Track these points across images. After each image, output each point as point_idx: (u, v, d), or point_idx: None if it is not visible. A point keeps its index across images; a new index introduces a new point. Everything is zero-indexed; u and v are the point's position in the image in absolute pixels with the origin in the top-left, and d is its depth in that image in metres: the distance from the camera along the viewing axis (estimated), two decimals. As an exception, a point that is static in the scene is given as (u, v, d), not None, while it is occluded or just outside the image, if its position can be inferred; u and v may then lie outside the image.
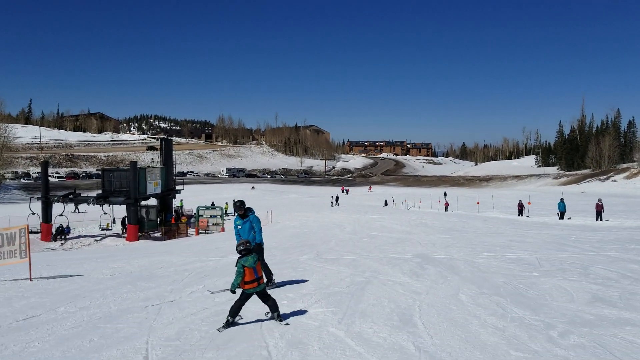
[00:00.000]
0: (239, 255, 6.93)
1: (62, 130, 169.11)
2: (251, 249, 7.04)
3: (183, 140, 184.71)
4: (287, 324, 6.98)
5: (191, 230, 33.51)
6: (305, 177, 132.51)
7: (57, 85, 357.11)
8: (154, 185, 35.17)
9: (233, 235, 9.96)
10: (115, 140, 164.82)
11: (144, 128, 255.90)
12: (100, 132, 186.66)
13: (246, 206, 9.35)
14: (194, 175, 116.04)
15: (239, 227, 9.09)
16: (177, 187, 40.19)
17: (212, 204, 40.75)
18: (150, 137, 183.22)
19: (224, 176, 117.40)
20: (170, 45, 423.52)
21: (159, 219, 34.65)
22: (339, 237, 22.19)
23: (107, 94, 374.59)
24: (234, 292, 6.92)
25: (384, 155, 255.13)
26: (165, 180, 37.50)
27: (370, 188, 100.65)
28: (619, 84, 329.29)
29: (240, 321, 7.19)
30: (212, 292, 9.03)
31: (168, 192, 37.72)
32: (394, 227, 27.90)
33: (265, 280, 7.34)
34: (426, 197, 66.66)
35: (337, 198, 60.27)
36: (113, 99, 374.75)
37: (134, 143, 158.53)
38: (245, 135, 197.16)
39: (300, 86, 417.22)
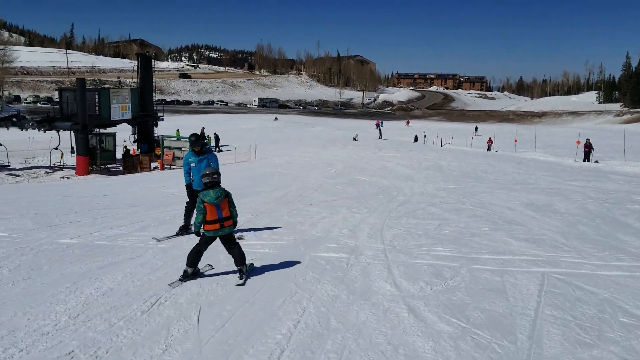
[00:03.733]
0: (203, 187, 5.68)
1: (100, 56, 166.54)
2: (219, 182, 5.67)
3: (222, 69, 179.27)
4: (243, 284, 5.63)
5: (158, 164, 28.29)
6: (340, 109, 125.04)
7: (100, 10, 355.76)
8: (121, 109, 29.80)
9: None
10: (153, 68, 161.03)
11: (195, 58, 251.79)
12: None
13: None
14: (221, 104, 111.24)
15: (193, 165, 7.90)
16: (160, 114, 34.77)
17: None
18: (187, 65, 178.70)
19: (254, 106, 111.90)
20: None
21: (127, 150, 29.47)
22: (309, 183, 16.93)
23: (160, 23, 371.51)
24: (198, 233, 5.70)
25: (433, 88, 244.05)
26: (140, 104, 32.03)
27: (408, 122, 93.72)
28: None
29: (208, 272, 6.01)
30: (158, 240, 7.50)
31: (144, 119, 32.37)
32: (397, 169, 22.57)
33: (232, 224, 5.76)
34: (463, 133, 59.29)
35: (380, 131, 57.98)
36: (166, 28, 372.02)
37: (170, 70, 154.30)
38: (285, 65, 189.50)
39: (344, 12, 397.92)
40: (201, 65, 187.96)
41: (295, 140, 44.88)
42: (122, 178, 22.93)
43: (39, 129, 27.38)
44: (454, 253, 7.23)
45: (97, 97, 28.45)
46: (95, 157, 27.16)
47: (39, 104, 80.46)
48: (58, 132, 27.86)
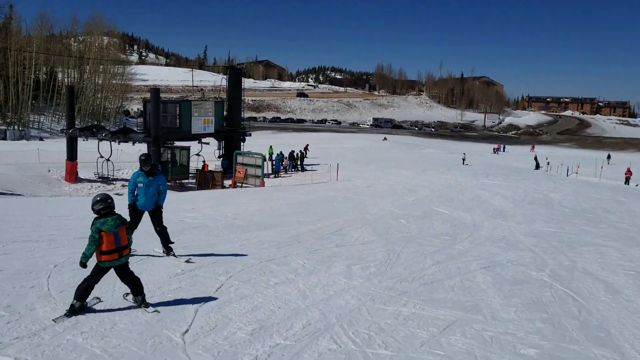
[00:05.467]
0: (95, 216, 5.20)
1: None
2: (114, 207, 5.27)
3: (341, 89, 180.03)
4: (157, 311, 5.28)
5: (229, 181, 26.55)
6: (459, 132, 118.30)
7: (231, 35, 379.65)
8: (203, 122, 28.63)
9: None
10: (274, 87, 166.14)
11: (320, 79, 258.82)
12: (265, 79, 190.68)
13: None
14: (333, 123, 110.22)
15: (140, 185, 7.53)
16: (249, 130, 33.37)
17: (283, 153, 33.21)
18: (307, 85, 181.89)
19: (366, 126, 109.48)
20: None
21: (204, 164, 28.16)
22: (370, 213, 14.28)
23: (290, 46, 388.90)
24: (85, 265, 5.13)
25: (568, 113, 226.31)
26: (225, 118, 30.79)
27: (533, 147, 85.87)
28: None
29: (97, 306, 5.35)
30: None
31: (229, 133, 31.07)
32: (493, 201, 19.09)
33: (129, 251, 5.40)
34: (594, 161, 51.94)
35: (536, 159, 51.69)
36: (295, 50, 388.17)
37: (290, 90, 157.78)
38: (405, 86, 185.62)
39: (469, 33, 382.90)
40: (321, 86, 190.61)
41: (394, 162, 41.45)
42: (183, 195, 21.30)
43: (113, 140, 26.90)
44: None
45: (177, 109, 27.52)
46: (166, 172, 26.02)
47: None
48: (110, 143, 27.32)
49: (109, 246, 5.07)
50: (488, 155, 62.93)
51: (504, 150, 74.53)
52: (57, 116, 58.83)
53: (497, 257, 8.42)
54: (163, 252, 7.79)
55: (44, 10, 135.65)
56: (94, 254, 5.13)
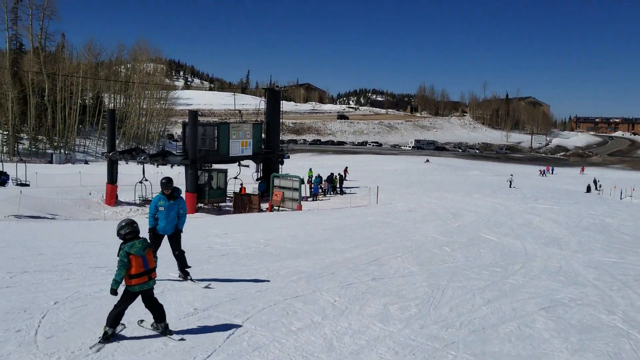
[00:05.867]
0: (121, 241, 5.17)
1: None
2: (139, 231, 5.25)
3: (382, 111, 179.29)
4: (183, 339, 5.18)
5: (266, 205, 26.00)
6: (504, 153, 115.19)
7: (273, 60, 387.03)
8: (242, 145, 28.35)
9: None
10: (315, 110, 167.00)
11: (362, 101, 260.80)
12: (305, 102, 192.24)
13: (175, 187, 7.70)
14: (374, 145, 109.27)
15: (162, 208, 7.53)
16: (289, 153, 32.89)
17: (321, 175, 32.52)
18: (347, 107, 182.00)
19: (408, 148, 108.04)
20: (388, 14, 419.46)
21: (242, 187, 27.73)
22: (412, 239, 13.46)
23: (332, 69, 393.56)
24: (116, 292, 5.07)
25: (618, 133, 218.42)
26: (264, 140, 30.45)
27: (583, 169, 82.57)
28: None
29: (123, 332, 5.23)
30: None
31: (268, 155, 30.70)
32: (545, 227, 17.66)
33: (156, 275, 5.34)
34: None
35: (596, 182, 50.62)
36: (337, 74, 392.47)
37: (330, 112, 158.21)
38: (448, 107, 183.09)
39: (514, 53, 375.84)
40: (362, 108, 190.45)
41: (437, 185, 40.11)
42: (218, 219, 20.85)
43: (152, 163, 26.94)
44: None
45: (216, 131, 27.34)
46: (203, 195, 25.71)
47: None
48: (143, 166, 27.38)
49: (138, 269, 5.09)
50: (535, 177, 60.60)
51: (552, 173, 71.86)
52: (102, 140, 60.43)
53: (557, 294, 7.38)
54: (179, 276, 7.72)
55: (92, 37, 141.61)
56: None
